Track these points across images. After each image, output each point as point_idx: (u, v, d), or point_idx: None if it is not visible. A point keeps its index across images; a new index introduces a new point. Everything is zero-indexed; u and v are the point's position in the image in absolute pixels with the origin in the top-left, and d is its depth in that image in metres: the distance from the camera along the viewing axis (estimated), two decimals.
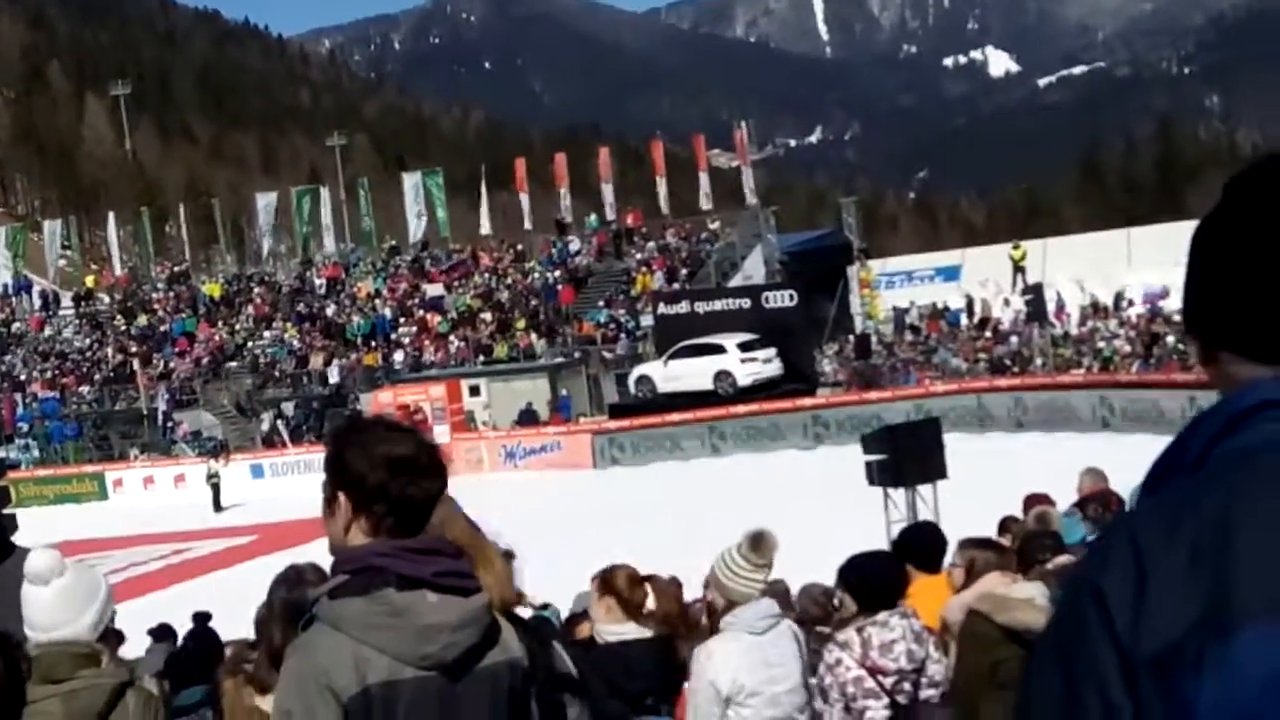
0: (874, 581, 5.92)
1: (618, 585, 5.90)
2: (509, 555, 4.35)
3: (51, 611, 4.03)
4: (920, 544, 7.66)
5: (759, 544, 5.70)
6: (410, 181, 60.28)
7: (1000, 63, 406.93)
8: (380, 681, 2.75)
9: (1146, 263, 46.04)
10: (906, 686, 5.74)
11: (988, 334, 43.04)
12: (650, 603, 6.14)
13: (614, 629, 5.78)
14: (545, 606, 10.56)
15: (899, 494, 19.09)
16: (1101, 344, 39.40)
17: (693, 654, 5.73)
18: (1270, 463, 1.38)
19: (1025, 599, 5.68)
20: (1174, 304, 43.03)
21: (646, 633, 5.83)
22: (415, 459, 2.89)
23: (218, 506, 42.41)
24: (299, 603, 3.00)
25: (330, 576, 2.93)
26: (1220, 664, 1.29)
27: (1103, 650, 1.35)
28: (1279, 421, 1.42)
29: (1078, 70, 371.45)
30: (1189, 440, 1.48)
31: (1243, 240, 1.46)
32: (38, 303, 63.45)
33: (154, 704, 4.16)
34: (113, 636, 4.75)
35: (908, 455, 18.49)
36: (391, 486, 2.85)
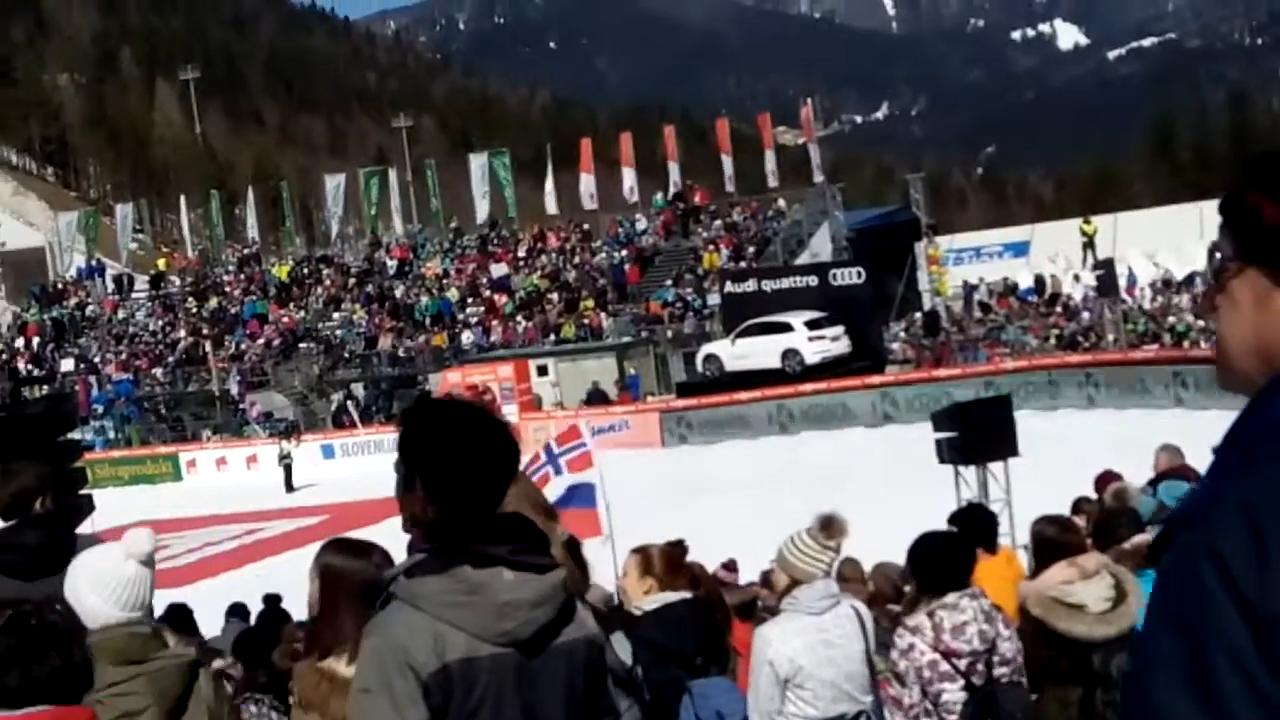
0: (941, 563, 5.89)
1: (655, 566, 5.92)
2: (573, 542, 4.36)
3: (145, 591, 4.10)
4: (974, 525, 7.61)
5: (829, 526, 5.70)
6: (477, 162, 60.40)
7: (1069, 35, 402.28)
8: (459, 658, 2.77)
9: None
10: (980, 667, 5.72)
11: (1058, 309, 42.65)
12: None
13: (654, 598, 5.80)
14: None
15: (970, 472, 18.96)
16: (1173, 319, 38.94)
17: (753, 636, 5.74)
18: None
19: (1077, 606, 5.62)
20: None
21: (686, 594, 5.84)
22: (488, 437, 2.91)
23: (289, 487, 42.82)
24: (373, 582, 3.02)
25: (407, 555, 2.95)
26: None
27: (1229, 614, 1.35)
28: None
29: (1147, 42, 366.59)
30: (1270, 406, 1.46)
31: None
32: (111, 286, 64.15)
33: (222, 682, 4.22)
34: (170, 615, 4.83)
35: (978, 433, 18.35)
36: (466, 465, 2.87)
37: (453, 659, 2.77)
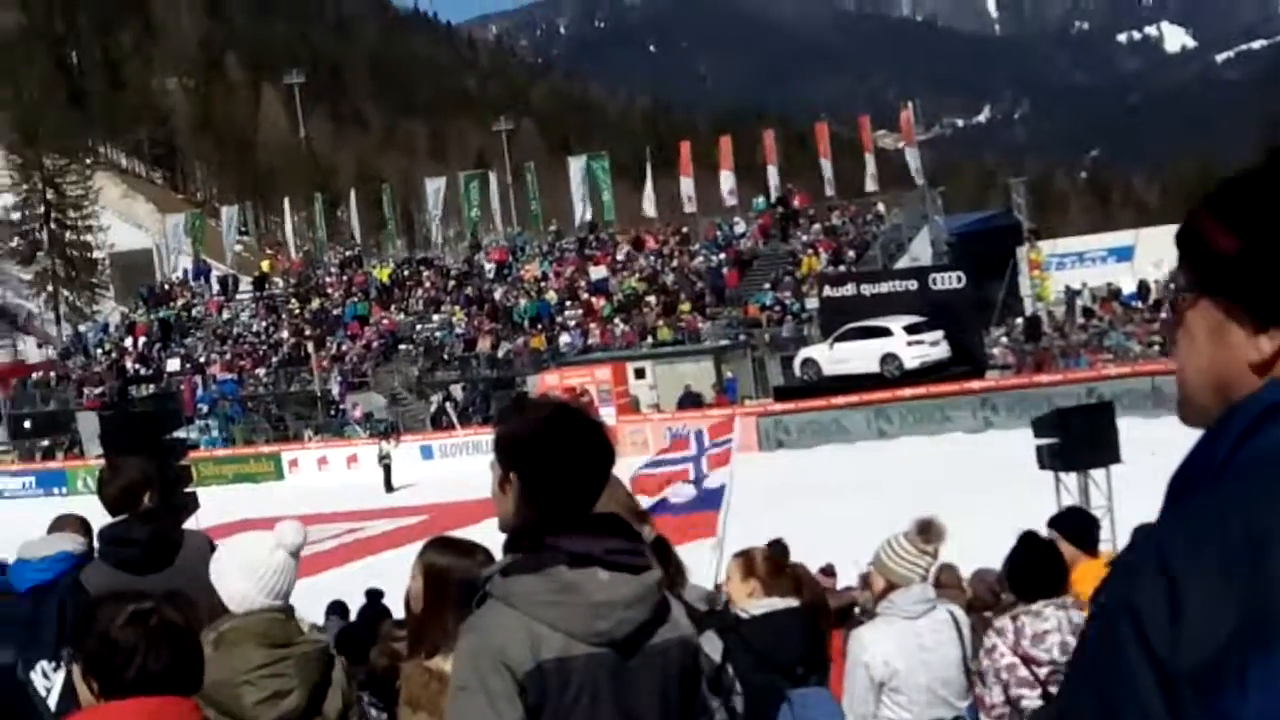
0: (1031, 569, 5.84)
1: (758, 568, 5.91)
2: (660, 542, 4.37)
3: (290, 580, 4.22)
4: (1074, 527, 7.50)
5: (927, 530, 5.68)
6: (576, 165, 60.62)
7: (1176, 38, 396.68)
8: (554, 657, 2.79)
9: None
10: (1060, 678, 5.66)
11: (1162, 315, 42.04)
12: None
13: (760, 603, 5.79)
14: (718, 588, 10.58)
15: (1071, 479, 18.75)
16: None
17: (848, 638, 5.73)
18: None
19: None
20: None
21: (793, 602, 5.83)
22: (584, 439, 2.93)
23: (389, 487, 43.22)
24: (471, 580, 3.05)
25: (503, 555, 2.98)
26: (1265, 676, 1.24)
27: (1141, 670, 1.29)
28: None
29: (1257, 45, 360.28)
30: (1211, 445, 1.41)
31: None
32: (216, 287, 65.16)
33: (348, 668, 4.41)
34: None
35: (1080, 439, 18.15)
36: (562, 466, 2.89)
37: (548, 658, 2.78)
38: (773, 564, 6.01)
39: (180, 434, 21.35)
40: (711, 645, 4.57)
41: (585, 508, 2.93)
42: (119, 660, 2.90)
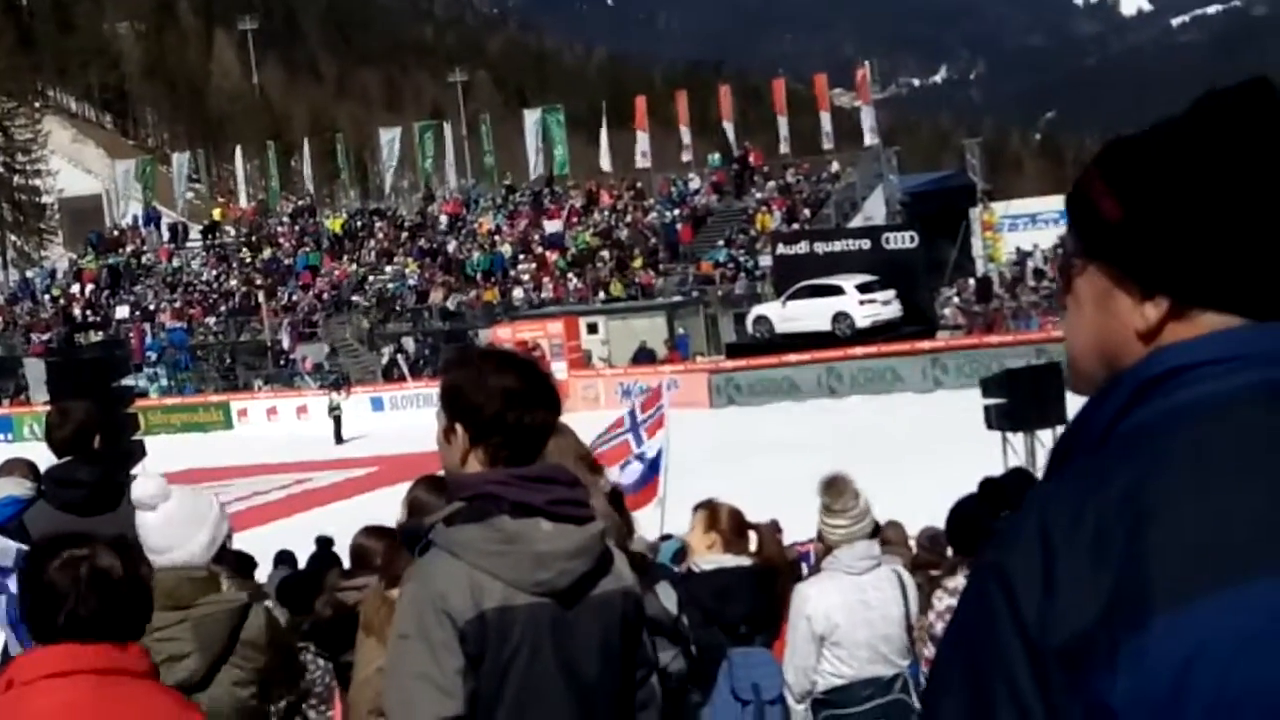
0: (973, 526, 5.86)
1: (721, 523, 5.91)
2: (616, 493, 4.37)
3: (162, 535, 4.12)
4: (1009, 490, 7.53)
5: (831, 489, 5.68)
6: (531, 118, 60.33)
7: (1132, 1, 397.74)
8: (495, 607, 2.79)
9: None
10: None
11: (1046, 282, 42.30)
12: (753, 545, 6.15)
13: (712, 558, 5.80)
14: (667, 538, 10.61)
15: (1018, 439, 18.90)
16: None
17: (792, 593, 5.74)
18: (1175, 439, 1.29)
19: None
20: None
21: (745, 561, 5.83)
22: (530, 389, 2.92)
23: (339, 438, 43.10)
24: (415, 529, 3.04)
25: (446, 503, 2.97)
26: (1134, 655, 1.20)
27: (1010, 639, 1.25)
28: (1188, 388, 1.32)
29: (1212, 10, 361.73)
30: (1093, 414, 1.38)
31: (1231, 171, 1.31)
32: (166, 234, 64.59)
33: (276, 623, 4.26)
34: (233, 559, 4.86)
35: (1027, 400, 18.31)
36: (507, 416, 2.88)
37: (489, 607, 2.79)
38: (736, 520, 6.01)
39: (128, 381, 21.20)
40: (667, 596, 4.58)
41: (529, 458, 2.92)
42: (50, 606, 2.85)
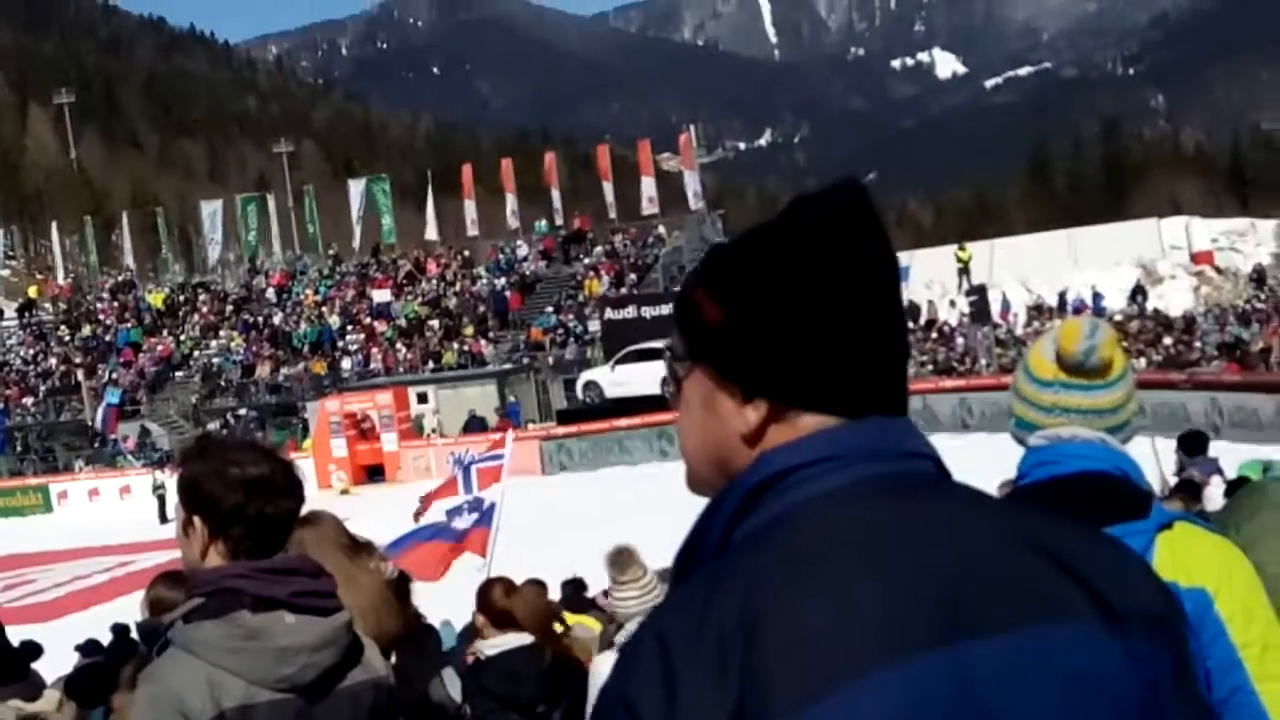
0: None
1: (491, 599, 5.84)
2: (403, 579, 4.28)
3: None
4: None
5: (616, 562, 5.67)
6: (356, 188, 60.01)
7: (947, 64, 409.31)
8: (235, 705, 2.70)
9: (1090, 263, 46.38)
10: None
11: (934, 335, 43.20)
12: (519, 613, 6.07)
13: (493, 642, 5.73)
14: (446, 624, 10.47)
15: None
16: None
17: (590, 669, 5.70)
18: (781, 542, 1.30)
19: None
20: (1115, 304, 43.39)
21: (527, 639, 5.76)
22: (270, 478, 2.84)
23: (164, 518, 42.04)
24: (154, 628, 2.94)
25: (185, 600, 2.88)
26: None
27: None
28: (793, 490, 1.34)
29: (1024, 71, 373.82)
30: (708, 524, 1.39)
31: (818, 274, 1.34)
32: None
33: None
34: None
35: None
36: (248, 508, 2.80)
37: (229, 706, 2.69)
38: (506, 593, 5.93)
39: None
40: (452, 683, 4.51)
41: (273, 549, 2.85)
42: None
